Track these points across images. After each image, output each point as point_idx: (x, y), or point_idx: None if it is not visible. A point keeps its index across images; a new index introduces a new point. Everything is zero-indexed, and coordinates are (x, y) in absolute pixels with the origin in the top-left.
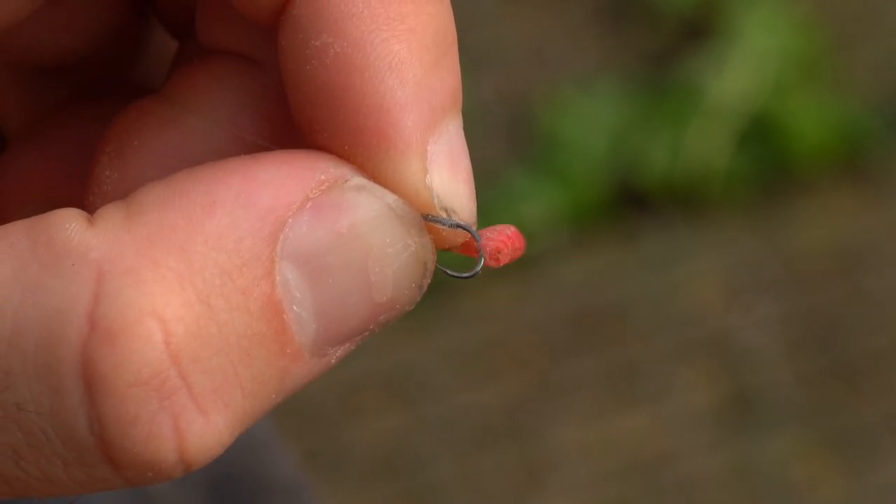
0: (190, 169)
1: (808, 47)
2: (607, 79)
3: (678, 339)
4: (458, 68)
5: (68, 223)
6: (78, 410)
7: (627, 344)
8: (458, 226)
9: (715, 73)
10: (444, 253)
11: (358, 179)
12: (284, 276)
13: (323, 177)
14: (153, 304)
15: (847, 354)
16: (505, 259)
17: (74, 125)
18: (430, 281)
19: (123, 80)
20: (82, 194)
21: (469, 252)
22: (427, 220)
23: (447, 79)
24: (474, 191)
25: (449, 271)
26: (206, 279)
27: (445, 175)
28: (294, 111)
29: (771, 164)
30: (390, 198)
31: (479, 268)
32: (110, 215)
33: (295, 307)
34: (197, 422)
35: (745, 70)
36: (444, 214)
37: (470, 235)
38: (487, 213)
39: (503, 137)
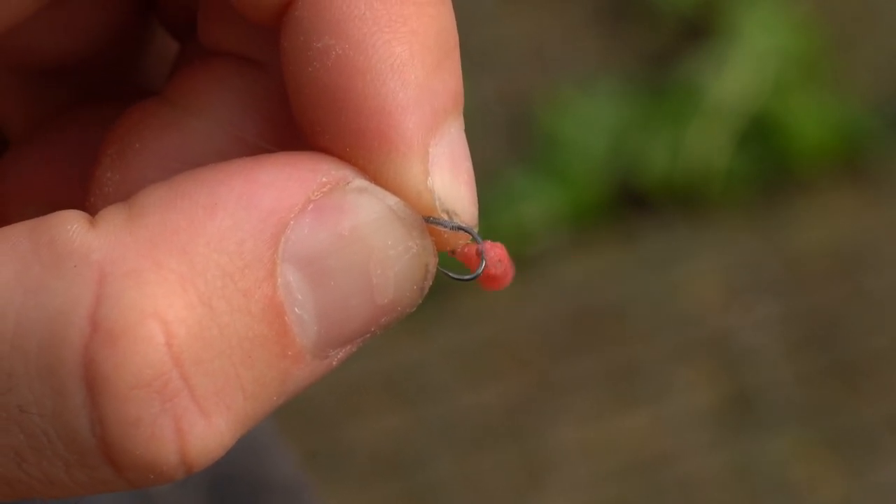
0: (191, 171)
1: (808, 47)
2: (607, 79)
3: (678, 339)
4: (460, 70)
5: (70, 225)
6: (80, 412)
7: (627, 344)
8: (460, 228)
9: (715, 73)
10: (445, 255)
11: (359, 181)
12: (286, 278)
13: (324, 179)
14: (155, 305)
15: (847, 354)
16: (500, 270)
17: (76, 127)
18: (431, 283)
19: (125, 82)
20: (84, 196)
21: (468, 260)
22: (428, 222)
23: (449, 81)
24: (476, 193)
25: (450, 273)
26: (207, 281)
27: (447, 177)
28: (296, 113)
29: (771, 164)
30: (392, 200)
31: (480, 270)
32: (112, 217)
33: (296, 309)
34: (199, 424)
35: (745, 70)
36: (445, 216)
37: (471, 238)
38: (487, 213)
39: (503, 137)
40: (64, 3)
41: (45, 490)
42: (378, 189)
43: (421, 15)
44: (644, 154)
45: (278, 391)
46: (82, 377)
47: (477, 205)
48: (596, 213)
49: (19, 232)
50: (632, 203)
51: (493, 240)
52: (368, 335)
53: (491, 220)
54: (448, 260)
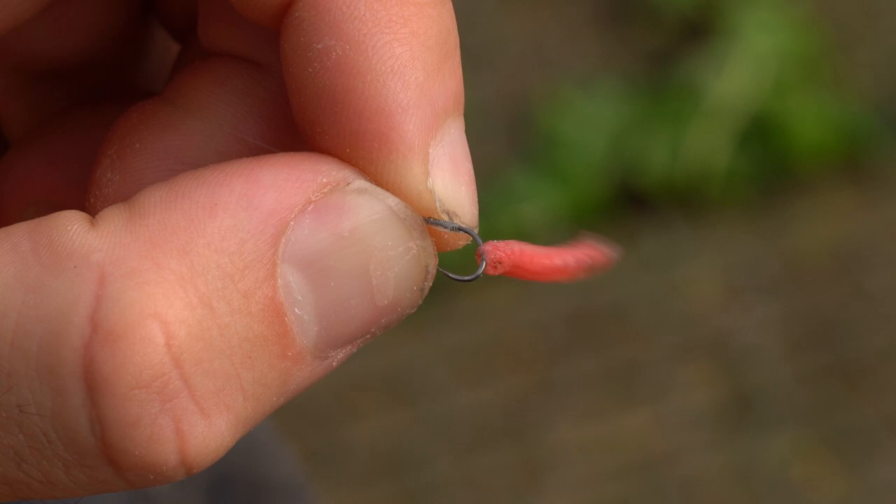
0: (192, 171)
1: (808, 47)
2: (607, 79)
3: (678, 339)
4: (461, 71)
5: (70, 225)
6: (79, 412)
7: (627, 344)
8: (460, 229)
9: (715, 73)
10: (445, 255)
11: (360, 182)
12: (286, 279)
13: (325, 179)
14: (155, 306)
15: (847, 354)
16: (503, 270)
17: (76, 128)
18: (431, 284)
19: (125, 83)
20: (84, 196)
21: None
22: (429, 223)
23: (449, 82)
24: (476, 194)
25: (450, 274)
26: (207, 281)
27: (447, 178)
28: (296, 114)
29: (771, 164)
30: (392, 201)
31: (480, 271)
32: (112, 217)
33: (296, 310)
34: (199, 424)
35: (745, 70)
36: (445, 217)
37: (472, 239)
38: (487, 213)
39: (503, 137)
40: (64, 5)
41: (44, 490)
42: (378, 190)
43: (421, 16)
44: (644, 154)
45: (278, 392)
46: (82, 377)
47: (477, 205)
48: (596, 213)
49: (20, 232)
50: (632, 203)
51: (494, 239)
52: (369, 336)
53: (491, 219)
54: (448, 260)
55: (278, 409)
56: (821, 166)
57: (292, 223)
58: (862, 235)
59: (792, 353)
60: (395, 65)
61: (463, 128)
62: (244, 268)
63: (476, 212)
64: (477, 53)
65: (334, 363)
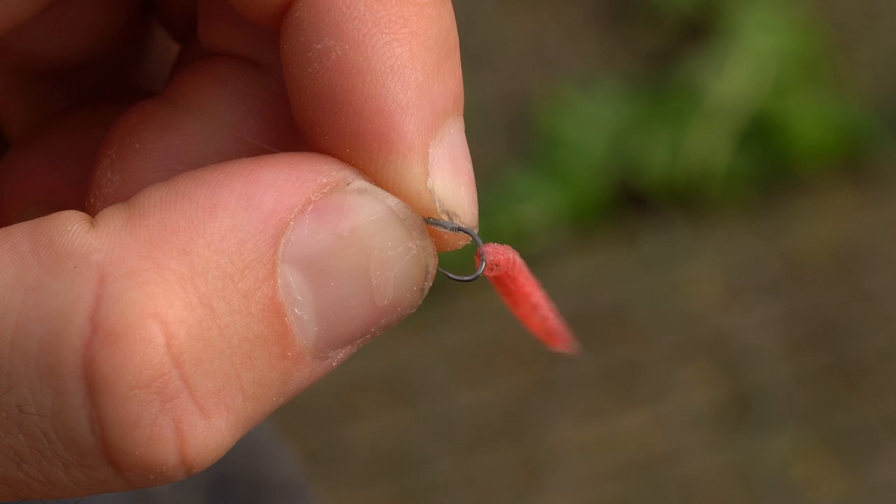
0: (192, 171)
1: (808, 47)
2: (607, 79)
3: (678, 339)
4: (460, 71)
5: (70, 225)
6: (79, 412)
7: (627, 344)
8: (460, 229)
9: (715, 73)
10: (444, 255)
11: (360, 182)
12: (286, 279)
13: (325, 180)
14: (155, 306)
15: (847, 354)
16: (499, 272)
17: (76, 128)
18: (431, 284)
19: (125, 83)
20: (84, 196)
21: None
22: (428, 223)
23: (449, 82)
24: (476, 194)
25: (450, 274)
26: (207, 281)
27: (447, 178)
28: (296, 114)
29: (771, 164)
30: (392, 201)
31: (480, 271)
32: (112, 217)
33: (296, 310)
34: (198, 424)
35: (745, 70)
36: (445, 217)
37: (471, 239)
38: (487, 212)
39: (503, 137)
40: (64, 5)
41: (44, 490)
42: (378, 190)
43: (421, 16)
44: (644, 154)
45: (278, 392)
46: (82, 377)
47: (477, 205)
48: (596, 213)
49: (20, 232)
50: (632, 203)
51: (494, 240)
52: (368, 336)
53: (491, 219)
54: (448, 260)
55: (278, 409)
56: (821, 166)
57: (292, 223)
58: (862, 235)
59: (792, 353)
60: (395, 65)
61: (463, 128)
62: (244, 268)
63: (476, 212)
64: (477, 53)
65: (334, 363)
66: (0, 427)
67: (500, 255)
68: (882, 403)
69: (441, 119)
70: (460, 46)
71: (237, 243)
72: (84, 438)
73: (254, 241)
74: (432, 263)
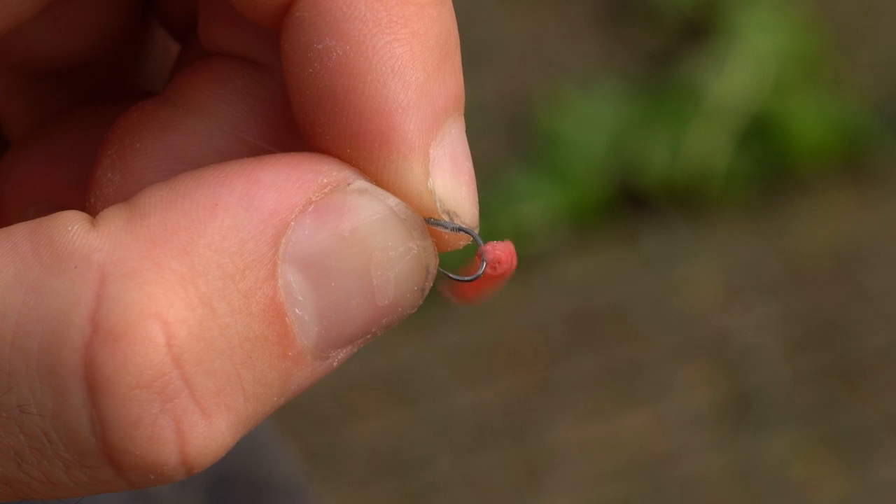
0: (192, 171)
1: (808, 47)
2: (607, 79)
3: (678, 339)
4: (461, 71)
5: (71, 225)
6: (80, 412)
7: (627, 344)
8: (461, 229)
9: (715, 73)
10: (445, 255)
11: (360, 182)
12: (287, 279)
13: (325, 180)
14: (156, 306)
15: (847, 354)
16: (501, 270)
17: (76, 128)
18: (432, 284)
19: (125, 83)
20: (84, 196)
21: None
22: (429, 223)
23: (449, 82)
24: (477, 194)
25: (451, 274)
26: (208, 281)
27: (448, 178)
28: (296, 114)
29: (771, 164)
30: (392, 201)
31: (480, 272)
32: (113, 217)
33: (297, 310)
34: (199, 424)
35: (745, 70)
36: (446, 218)
37: (472, 239)
38: (487, 212)
39: (503, 137)
40: (64, 5)
41: (45, 490)
42: (379, 190)
43: (422, 16)
44: (644, 154)
45: (279, 392)
46: (83, 377)
47: (478, 206)
48: (596, 213)
49: (20, 232)
50: (632, 203)
51: (494, 240)
52: (369, 336)
53: (491, 219)
54: (449, 260)
55: (279, 409)
56: (821, 166)
57: (293, 223)
58: (862, 235)
59: (792, 353)
60: (396, 65)
61: (463, 128)
62: (245, 268)
63: (476, 212)
64: (477, 53)
65: (335, 363)
66: (0, 427)
67: (502, 250)
68: (882, 403)
69: (442, 119)
70: (461, 46)
71: (238, 243)
72: (85, 438)
73: (254, 241)
74: (433, 264)
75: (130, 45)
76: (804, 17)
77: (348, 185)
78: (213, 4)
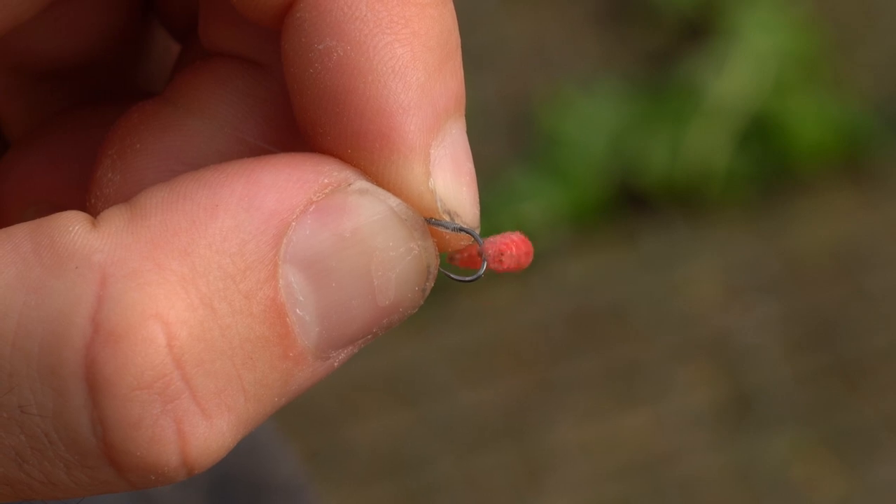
0: (193, 172)
1: (808, 47)
2: (607, 79)
3: (678, 339)
4: (462, 72)
5: (72, 226)
6: (81, 413)
7: (627, 344)
8: (462, 229)
9: (715, 73)
10: (446, 256)
11: (361, 183)
12: (287, 280)
13: (326, 180)
14: (156, 306)
15: (847, 354)
16: (509, 262)
17: (77, 128)
18: (433, 284)
19: (126, 83)
20: (84, 197)
21: (471, 263)
22: (430, 223)
23: (450, 82)
24: (477, 194)
25: (452, 275)
26: (209, 282)
27: (449, 178)
28: (297, 114)
29: (771, 164)
30: (393, 201)
31: (481, 271)
32: (113, 218)
33: (298, 310)
34: (200, 425)
35: (745, 70)
36: (447, 218)
37: (473, 239)
38: (488, 212)
39: (504, 137)
40: (64, 5)
41: (45, 491)
42: (380, 190)
43: (423, 16)
44: (644, 154)
45: (280, 392)
46: (83, 378)
47: (478, 206)
48: (596, 212)
49: (21, 233)
50: (632, 203)
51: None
52: (370, 336)
53: (492, 219)
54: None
55: (280, 409)
56: (821, 166)
57: (294, 224)
58: (862, 235)
59: (792, 353)
60: (397, 65)
61: (464, 128)
62: (245, 269)
63: (477, 212)
64: (478, 53)
65: (336, 364)
66: (1, 427)
67: (500, 242)
68: (882, 403)
69: (442, 119)
70: (462, 46)
71: (239, 244)
72: (85, 439)
73: (255, 241)
74: (434, 264)
75: (131, 46)
76: (804, 17)
77: (349, 185)
78: (213, 4)
